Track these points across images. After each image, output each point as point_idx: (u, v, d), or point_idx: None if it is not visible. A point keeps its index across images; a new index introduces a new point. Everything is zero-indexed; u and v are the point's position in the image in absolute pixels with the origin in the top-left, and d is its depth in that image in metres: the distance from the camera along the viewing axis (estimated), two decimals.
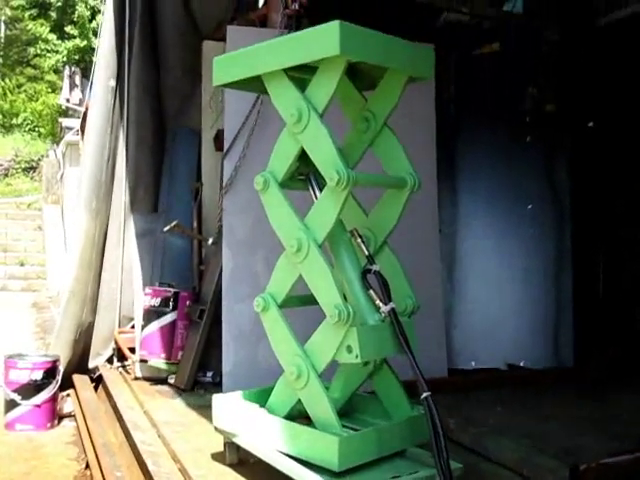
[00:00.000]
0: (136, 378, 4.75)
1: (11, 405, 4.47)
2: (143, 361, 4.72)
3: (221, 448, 3.09)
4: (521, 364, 5.11)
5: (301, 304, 2.94)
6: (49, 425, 4.55)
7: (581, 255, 5.44)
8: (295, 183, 2.90)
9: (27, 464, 3.88)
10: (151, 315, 4.71)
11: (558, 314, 5.32)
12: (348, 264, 2.77)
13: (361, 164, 2.91)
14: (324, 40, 2.52)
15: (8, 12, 24.01)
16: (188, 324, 4.67)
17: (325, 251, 2.70)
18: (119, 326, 5.26)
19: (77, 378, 5.10)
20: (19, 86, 22.38)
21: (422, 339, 2.84)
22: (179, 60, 5.45)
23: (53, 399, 4.58)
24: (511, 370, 5.07)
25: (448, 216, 5.20)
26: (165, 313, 4.67)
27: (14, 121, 20.84)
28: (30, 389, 4.47)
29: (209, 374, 4.56)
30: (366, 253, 2.78)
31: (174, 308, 4.68)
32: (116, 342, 5.17)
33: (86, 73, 15.49)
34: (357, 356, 2.55)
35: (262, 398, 2.96)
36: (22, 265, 12.84)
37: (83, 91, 15.44)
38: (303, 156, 2.72)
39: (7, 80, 22.23)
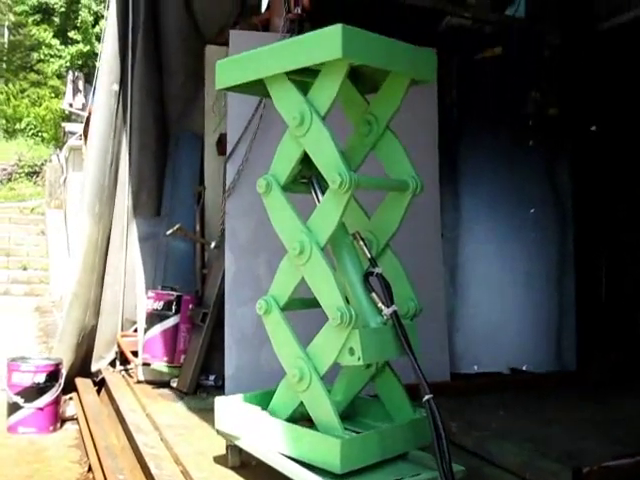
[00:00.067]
0: (139, 381, 4.75)
1: (14, 408, 4.48)
2: (146, 364, 4.72)
3: (223, 451, 3.09)
4: (523, 368, 5.09)
5: (303, 307, 2.94)
6: (52, 428, 4.55)
7: (583, 259, 5.43)
8: (297, 186, 2.90)
9: (29, 467, 3.88)
10: (154, 318, 4.72)
11: (560, 318, 5.30)
12: (350, 267, 2.77)
13: (363, 167, 2.91)
14: (326, 43, 2.53)
15: (12, 18, 24.16)
16: (191, 327, 4.68)
17: (327, 254, 2.70)
18: (122, 329, 5.27)
19: (80, 381, 5.11)
20: (22, 91, 22.50)
21: (424, 342, 2.84)
22: (182, 65, 5.48)
23: (56, 402, 4.59)
24: (513, 374, 5.06)
25: (450, 220, 5.19)
26: (168, 316, 4.68)
27: (17, 126, 20.95)
28: (33, 392, 4.48)
29: (211, 377, 4.55)
30: (368, 256, 2.78)
31: (177, 312, 4.68)
32: (119, 345, 5.18)
33: (89, 78, 15.58)
34: (359, 359, 2.55)
35: (264, 401, 2.95)
36: (25, 269, 12.88)
37: (86, 96, 15.50)
38: (305, 159, 2.73)
39: (10, 85, 22.36)
